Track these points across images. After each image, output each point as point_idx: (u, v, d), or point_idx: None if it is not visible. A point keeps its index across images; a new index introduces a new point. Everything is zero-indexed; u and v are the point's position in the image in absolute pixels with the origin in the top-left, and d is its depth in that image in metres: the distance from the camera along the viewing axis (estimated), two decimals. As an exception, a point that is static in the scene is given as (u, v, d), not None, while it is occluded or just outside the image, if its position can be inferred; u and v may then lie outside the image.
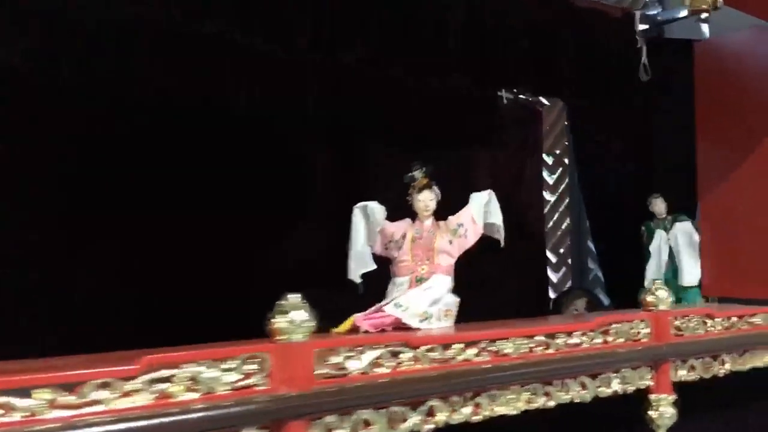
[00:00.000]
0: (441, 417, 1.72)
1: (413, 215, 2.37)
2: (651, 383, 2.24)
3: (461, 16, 3.99)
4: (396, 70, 3.91)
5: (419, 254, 2.29)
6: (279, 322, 1.46)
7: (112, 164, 3.02)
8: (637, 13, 4.66)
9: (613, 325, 2.16)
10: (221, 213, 3.31)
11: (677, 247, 3.71)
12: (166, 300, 2.99)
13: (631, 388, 2.18)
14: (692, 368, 2.40)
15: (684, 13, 4.87)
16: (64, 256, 2.88)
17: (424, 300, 2.12)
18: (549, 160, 5.65)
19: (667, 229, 3.84)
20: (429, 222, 2.35)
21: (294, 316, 1.47)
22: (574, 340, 2.04)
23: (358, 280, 2.28)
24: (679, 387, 2.35)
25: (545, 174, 5.62)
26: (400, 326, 2.01)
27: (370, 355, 1.60)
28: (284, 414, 1.44)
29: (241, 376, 1.41)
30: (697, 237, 3.67)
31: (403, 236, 2.30)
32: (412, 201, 2.37)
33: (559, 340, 2.00)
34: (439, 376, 1.70)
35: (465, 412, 1.77)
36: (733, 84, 4.22)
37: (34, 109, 2.81)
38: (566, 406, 2.01)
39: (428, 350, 1.71)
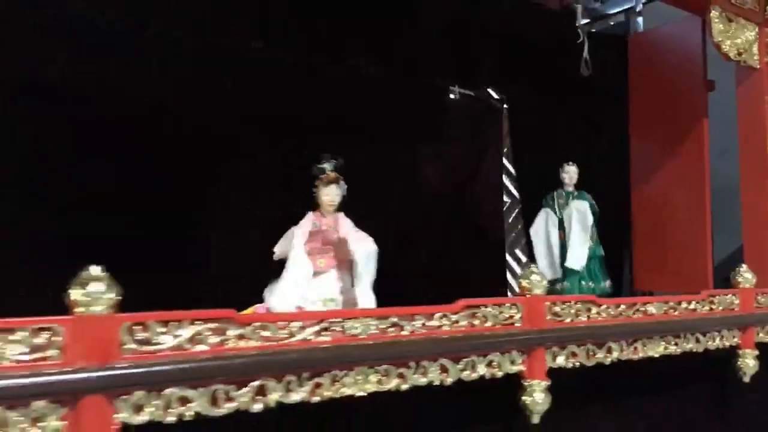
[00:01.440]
0: (273, 396, 1.68)
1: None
2: (523, 368, 2.21)
3: (406, 10, 3.99)
4: (343, 63, 3.90)
5: (317, 248, 2.28)
6: (76, 293, 1.41)
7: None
8: (579, 7, 4.65)
9: (482, 309, 2.13)
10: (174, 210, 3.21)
11: (569, 226, 3.37)
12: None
13: (499, 373, 2.15)
14: (573, 355, 2.37)
15: (624, 5, 4.88)
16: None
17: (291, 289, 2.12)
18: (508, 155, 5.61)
19: (561, 207, 3.50)
20: (330, 217, 2.34)
21: (93, 288, 1.42)
22: (434, 322, 2.01)
23: None
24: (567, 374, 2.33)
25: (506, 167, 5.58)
26: None
27: (189, 330, 1.56)
28: (79, 387, 1.39)
29: (28, 349, 1.36)
30: (590, 218, 3.37)
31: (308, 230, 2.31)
32: (317, 193, 2.36)
33: (417, 322, 1.97)
34: (268, 354, 1.65)
35: (303, 392, 1.73)
36: (664, 76, 4.22)
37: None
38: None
39: (258, 328, 1.66)
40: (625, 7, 4.70)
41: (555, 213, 3.49)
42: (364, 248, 2.24)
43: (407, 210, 3.86)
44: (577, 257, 3.26)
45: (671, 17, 4.25)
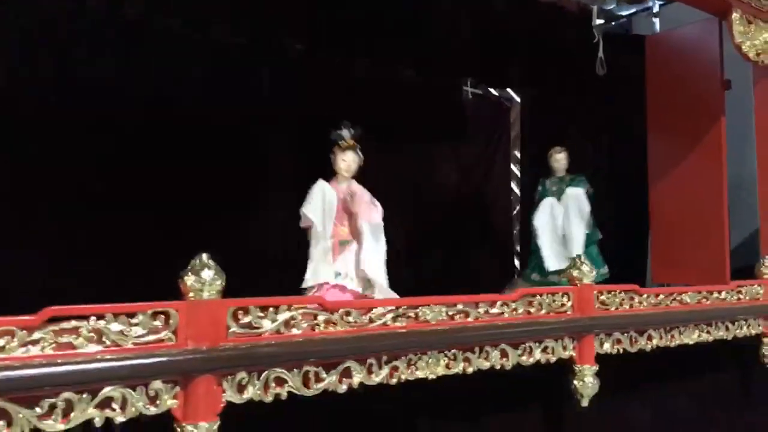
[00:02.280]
0: (357, 378, 1.78)
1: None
2: (574, 354, 2.32)
3: (422, 10, 4.07)
4: (359, 63, 3.99)
5: (339, 216, 2.28)
6: (188, 279, 1.50)
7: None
8: (594, 8, 4.76)
9: (537, 297, 2.24)
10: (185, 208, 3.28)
11: (567, 216, 3.23)
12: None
13: (553, 358, 2.26)
14: (618, 342, 2.48)
15: (640, 6, 5.00)
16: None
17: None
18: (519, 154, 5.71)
19: (557, 196, 3.34)
20: (345, 184, 2.33)
21: (204, 275, 1.51)
22: (496, 309, 2.11)
23: None
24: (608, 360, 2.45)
25: (514, 168, 5.68)
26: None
27: (283, 316, 1.65)
28: (192, 368, 1.48)
29: (146, 331, 1.45)
30: (587, 206, 3.26)
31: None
32: (334, 160, 2.34)
33: (481, 309, 2.07)
34: (354, 338, 1.75)
35: (382, 374, 1.83)
36: (681, 76, 4.33)
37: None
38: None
39: (345, 314, 1.76)
40: (641, 8, 4.83)
41: (546, 193, 3.38)
42: (369, 220, 2.24)
43: (421, 207, 3.98)
44: (579, 245, 3.18)
45: (687, 19, 4.39)
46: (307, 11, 3.47)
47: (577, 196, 3.24)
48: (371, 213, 2.28)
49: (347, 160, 2.33)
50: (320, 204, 2.22)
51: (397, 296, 2.20)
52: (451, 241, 4.35)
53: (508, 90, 5.28)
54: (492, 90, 5.29)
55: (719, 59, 4.09)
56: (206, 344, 1.51)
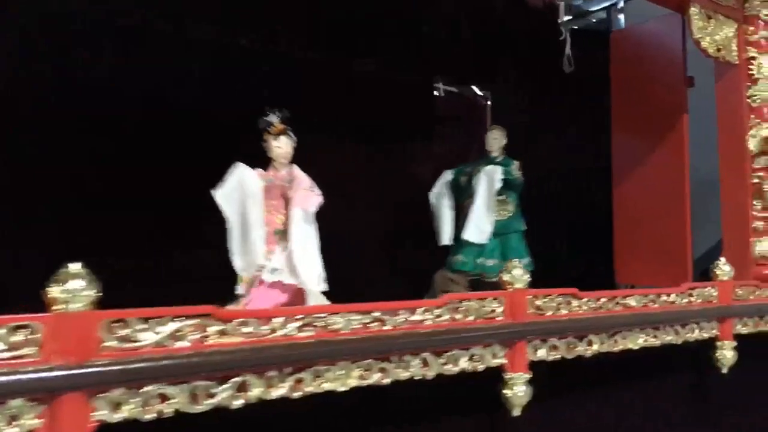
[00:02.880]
0: (255, 392, 1.68)
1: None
2: (504, 362, 2.23)
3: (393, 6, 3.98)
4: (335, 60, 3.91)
5: (274, 204, 2.20)
6: (53, 291, 1.40)
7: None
8: (561, 4, 4.67)
9: (464, 303, 2.14)
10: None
11: (475, 193, 2.93)
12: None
13: (481, 367, 2.16)
14: (554, 348, 2.39)
15: (606, 2, 4.91)
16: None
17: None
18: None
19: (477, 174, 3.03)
20: (284, 170, 2.25)
21: (71, 285, 1.41)
22: (417, 317, 2.01)
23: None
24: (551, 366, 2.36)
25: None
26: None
27: (169, 327, 1.55)
28: (56, 385, 1.38)
29: (6, 347, 1.34)
30: (498, 185, 2.92)
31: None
32: (267, 147, 2.25)
33: (400, 317, 1.97)
34: (251, 350, 1.65)
35: (285, 388, 1.73)
36: (644, 73, 4.25)
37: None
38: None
39: (240, 324, 1.66)
40: (607, 4, 4.74)
41: (458, 175, 3.10)
42: (303, 207, 2.15)
43: (397, 204, 3.89)
44: (478, 229, 2.86)
45: (653, 14, 4.30)
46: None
47: (488, 171, 2.95)
48: (308, 200, 2.17)
49: (282, 146, 2.25)
50: (234, 189, 2.11)
51: (324, 297, 2.12)
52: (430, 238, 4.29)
53: (472, 87, 5.22)
54: (473, 87, 5.24)
55: (682, 55, 4.01)
56: (73, 360, 1.40)
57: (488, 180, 2.86)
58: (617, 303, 2.63)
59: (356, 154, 3.98)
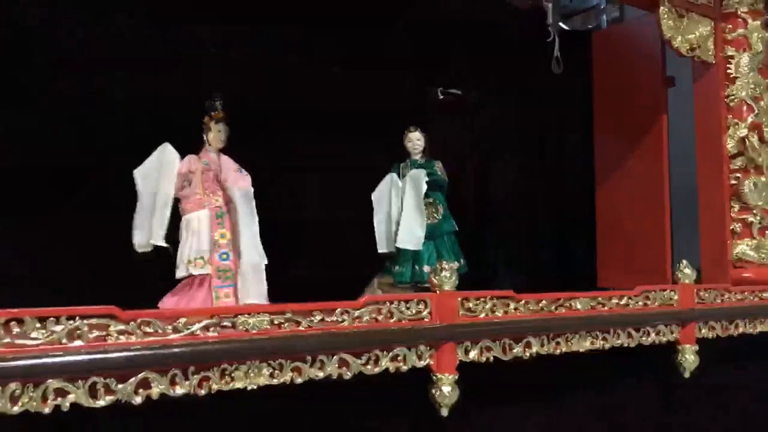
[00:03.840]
0: (157, 389, 1.75)
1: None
2: (431, 362, 2.26)
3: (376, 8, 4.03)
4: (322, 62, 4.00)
5: (210, 186, 2.28)
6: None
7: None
8: (550, 5, 4.65)
9: (386, 305, 2.19)
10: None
11: (403, 198, 2.79)
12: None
13: (405, 367, 2.20)
14: (488, 349, 2.41)
15: (591, 3, 4.87)
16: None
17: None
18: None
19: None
20: (215, 154, 2.33)
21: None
22: (334, 318, 2.06)
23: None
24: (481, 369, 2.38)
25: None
26: None
27: (64, 327, 1.64)
28: (-51, 380, 1.48)
29: None
30: (423, 188, 2.79)
31: (192, 171, 2.27)
32: (206, 131, 2.33)
33: (315, 318, 2.03)
34: (149, 349, 1.73)
35: (190, 385, 1.80)
36: (625, 73, 4.22)
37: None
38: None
39: (143, 323, 1.74)
40: (592, 4, 4.70)
41: (400, 178, 2.95)
42: (240, 187, 2.24)
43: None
44: (410, 235, 2.75)
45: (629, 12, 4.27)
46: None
47: (413, 176, 2.83)
48: (243, 179, 2.29)
49: (222, 131, 2.34)
50: (155, 168, 2.19)
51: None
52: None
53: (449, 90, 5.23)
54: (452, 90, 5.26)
55: (661, 55, 3.97)
56: (-28, 355, 1.51)
57: (414, 184, 2.80)
58: (560, 306, 2.63)
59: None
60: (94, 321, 1.68)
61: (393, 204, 2.82)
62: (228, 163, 2.32)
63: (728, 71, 3.72)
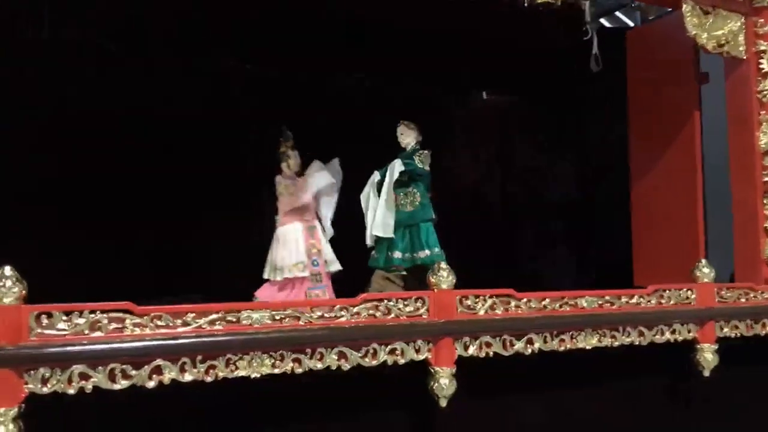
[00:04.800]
0: (169, 375, 1.99)
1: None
2: (429, 356, 2.41)
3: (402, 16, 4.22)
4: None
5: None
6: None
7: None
8: (587, 3, 4.67)
9: (384, 302, 2.35)
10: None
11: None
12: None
13: (402, 360, 2.36)
14: (487, 345, 2.53)
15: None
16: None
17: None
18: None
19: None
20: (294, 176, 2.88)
21: (2, 284, 1.80)
22: (333, 313, 2.25)
23: None
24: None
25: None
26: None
27: (86, 319, 1.90)
28: (-9, 363, 1.77)
29: (-50, 331, 1.75)
30: (395, 176, 2.95)
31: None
32: (287, 157, 2.86)
33: (315, 314, 2.22)
34: (162, 339, 1.97)
35: (198, 372, 2.04)
36: (659, 71, 4.19)
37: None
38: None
39: (155, 317, 1.99)
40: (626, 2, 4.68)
41: (381, 173, 3.11)
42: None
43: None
44: (382, 223, 2.90)
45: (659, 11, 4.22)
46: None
47: (391, 166, 3.00)
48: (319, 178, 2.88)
49: (296, 157, 2.90)
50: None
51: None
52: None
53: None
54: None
55: (693, 51, 3.93)
56: (6, 343, 1.79)
57: (388, 175, 2.97)
58: (565, 303, 2.71)
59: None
60: (112, 314, 1.94)
61: (371, 200, 3.03)
62: (304, 180, 2.84)
63: (760, 66, 3.64)
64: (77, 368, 1.88)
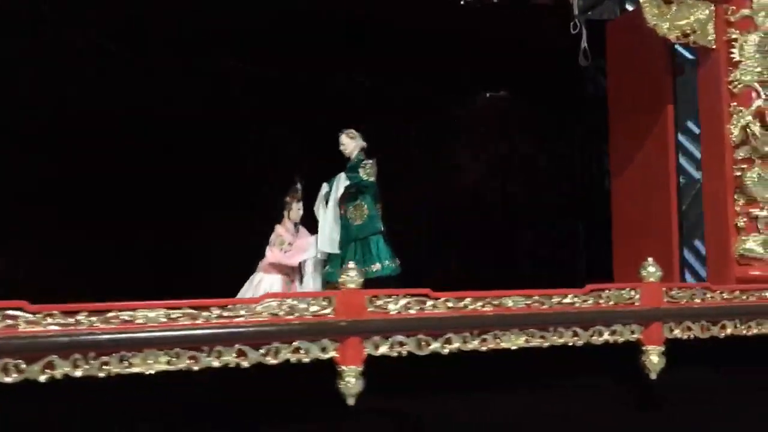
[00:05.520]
0: (60, 370, 2.10)
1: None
2: (336, 355, 2.43)
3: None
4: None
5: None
6: None
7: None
8: (574, -2, 4.59)
9: (287, 302, 2.39)
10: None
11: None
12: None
13: (307, 359, 2.39)
14: (400, 344, 2.53)
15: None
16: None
17: None
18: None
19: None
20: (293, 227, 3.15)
21: None
22: (230, 312, 2.31)
23: None
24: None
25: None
26: None
27: (-19, 317, 2.03)
28: None
29: None
30: (341, 191, 3.01)
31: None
32: (288, 209, 3.07)
33: (213, 313, 2.29)
34: (54, 336, 2.08)
35: (91, 368, 2.14)
36: (635, 62, 4.08)
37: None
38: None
39: (46, 315, 2.10)
40: (610, -9, 4.55)
41: (329, 185, 3.16)
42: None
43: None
44: (328, 239, 2.98)
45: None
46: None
47: (337, 179, 3.05)
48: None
49: (300, 209, 3.16)
50: None
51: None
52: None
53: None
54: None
55: (665, 42, 3.79)
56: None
57: (335, 188, 3.00)
58: (489, 303, 2.68)
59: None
60: (7, 312, 2.06)
61: (320, 213, 3.08)
62: (303, 243, 3.05)
63: (731, 56, 3.49)
64: (-10, 362, 2.01)
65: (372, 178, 3.02)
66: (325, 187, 3.08)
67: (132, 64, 3.75)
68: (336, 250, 2.88)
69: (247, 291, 3.01)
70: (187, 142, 3.92)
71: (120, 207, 3.62)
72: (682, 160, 4.24)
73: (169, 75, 3.86)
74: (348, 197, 3.04)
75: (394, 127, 4.59)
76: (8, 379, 2.05)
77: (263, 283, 3.02)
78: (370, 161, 3.03)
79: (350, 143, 3.07)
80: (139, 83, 3.73)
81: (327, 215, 2.95)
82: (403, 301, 2.55)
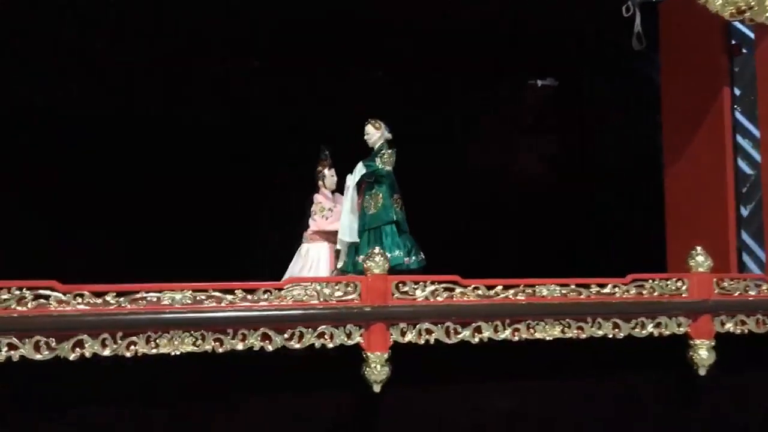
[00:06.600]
0: (90, 349, 2.16)
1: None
2: (361, 341, 2.40)
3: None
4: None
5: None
6: None
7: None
8: (628, -19, 4.42)
9: (311, 285, 2.39)
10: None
11: None
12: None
13: (331, 344, 2.38)
14: (428, 332, 2.48)
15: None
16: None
17: None
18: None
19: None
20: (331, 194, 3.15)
21: None
22: (256, 296, 2.32)
23: None
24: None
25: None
26: None
27: (14, 295, 2.11)
28: None
29: None
30: (356, 178, 2.96)
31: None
32: (322, 176, 3.09)
33: (237, 296, 2.30)
34: (82, 315, 2.14)
35: (117, 347, 2.19)
36: (691, 45, 3.87)
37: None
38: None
39: (76, 295, 2.16)
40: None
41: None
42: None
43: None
44: (348, 228, 2.93)
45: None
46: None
47: (355, 171, 3.02)
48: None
49: (334, 175, 3.15)
50: None
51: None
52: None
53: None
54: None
55: (722, 22, 3.58)
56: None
57: (353, 177, 2.99)
58: (522, 291, 2.60)
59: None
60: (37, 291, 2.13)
61: (345, 199, 3.04)
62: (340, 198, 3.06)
63: (794, 32, 3.26)
64: (4, 340, 2.09)
65: (389, 167, 2.98)
66: (349, 178, 3.06)
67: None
68: (356, 239, 2.89)
69: (296, 263, 3.00)
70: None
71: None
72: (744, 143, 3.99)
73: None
74: (368, 186, 3.01)
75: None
76: (39, 356, 2.12)
77: (311, 252, 3.02)
78: (389, 151, 2.99)
79: (375, 133, 3.04)
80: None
81: (345, 204, 2.95)
82: (430, 288, 2.50)
